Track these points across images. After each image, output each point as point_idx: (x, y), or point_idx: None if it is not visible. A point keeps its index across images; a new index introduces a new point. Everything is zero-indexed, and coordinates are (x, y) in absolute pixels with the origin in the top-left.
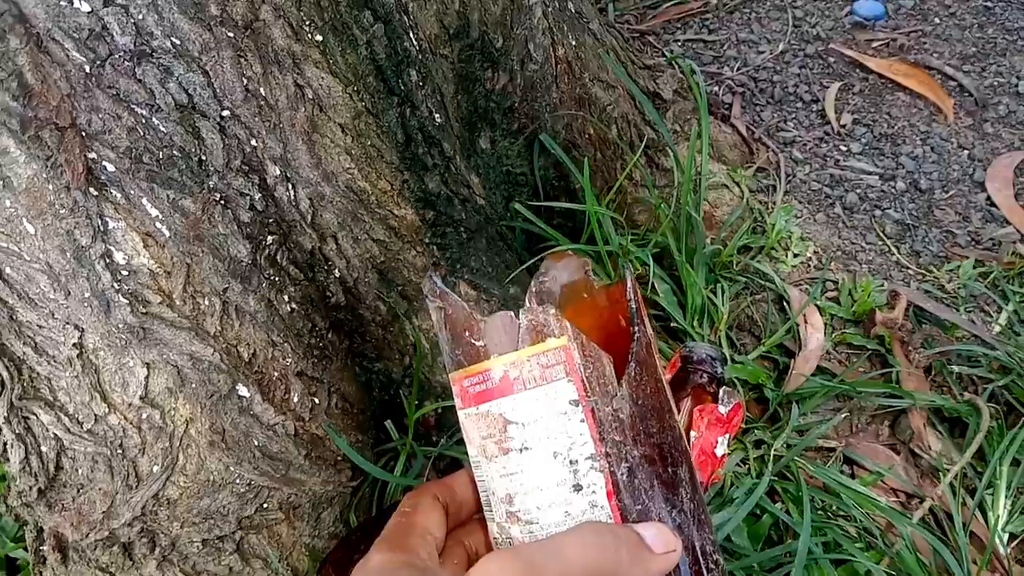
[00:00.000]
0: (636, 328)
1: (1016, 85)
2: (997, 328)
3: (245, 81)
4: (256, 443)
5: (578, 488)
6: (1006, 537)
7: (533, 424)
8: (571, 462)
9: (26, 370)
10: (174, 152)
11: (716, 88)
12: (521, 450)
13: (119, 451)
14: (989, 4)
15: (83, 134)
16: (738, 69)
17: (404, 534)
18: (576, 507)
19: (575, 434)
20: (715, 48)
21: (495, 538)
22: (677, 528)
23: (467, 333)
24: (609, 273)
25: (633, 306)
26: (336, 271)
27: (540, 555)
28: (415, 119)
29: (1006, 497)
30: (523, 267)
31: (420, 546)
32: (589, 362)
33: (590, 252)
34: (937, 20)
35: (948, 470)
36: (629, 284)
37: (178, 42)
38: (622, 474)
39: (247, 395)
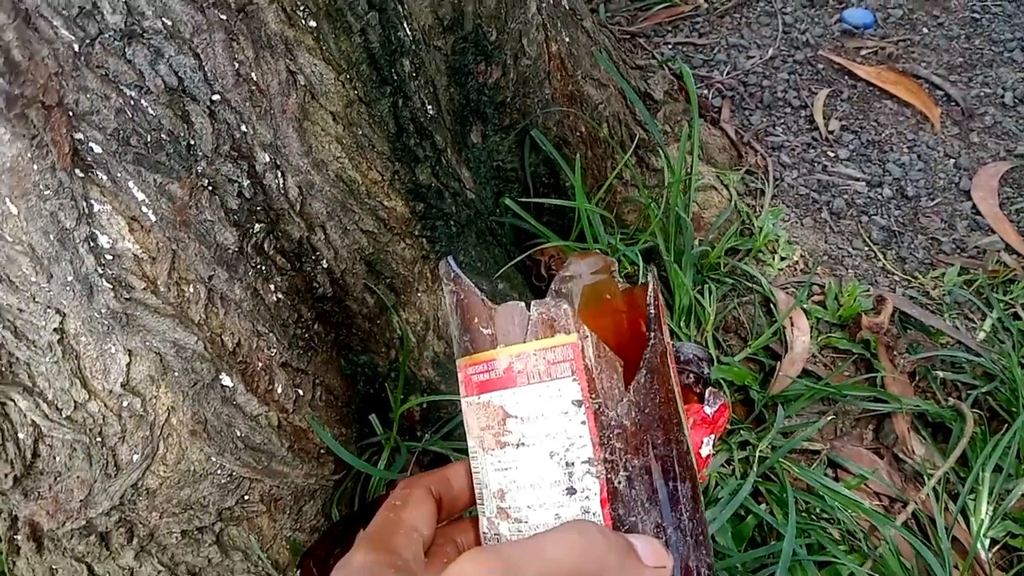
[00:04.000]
0: (652, 335)
1: (1002, 96)
2: (981, 335)
3: (237, 65)
4: (238, 434)
5: (571, 492)
6: (988, 542)
7: (533, 420)
8: (567, 464)
9: (4, 354)
10: (162, 135)
11: (706, 91)
12: (518, 445)
13: (98, 439)
14: (976, 15)
15: (70, 114)
16: (728, 73)
17: (390, 531)
18: (568, 511)
19: (575, 435)
20: (705, 52)
21: (484, 533)
22: (672, 546)
23: (477, 320)
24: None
25: (652, 311)
26: (324, 262)
27: (520, 554)
28: (407, 110)
29: (988, 503)
30: (512, 263)
31: (404, 546)
32: (598, 363)
33: (578, 250)
34: (925, 30)
35: (931, 475)
36: (651, 289)
37: (170, 23)
38: (619, 482)
39: (230, 385)
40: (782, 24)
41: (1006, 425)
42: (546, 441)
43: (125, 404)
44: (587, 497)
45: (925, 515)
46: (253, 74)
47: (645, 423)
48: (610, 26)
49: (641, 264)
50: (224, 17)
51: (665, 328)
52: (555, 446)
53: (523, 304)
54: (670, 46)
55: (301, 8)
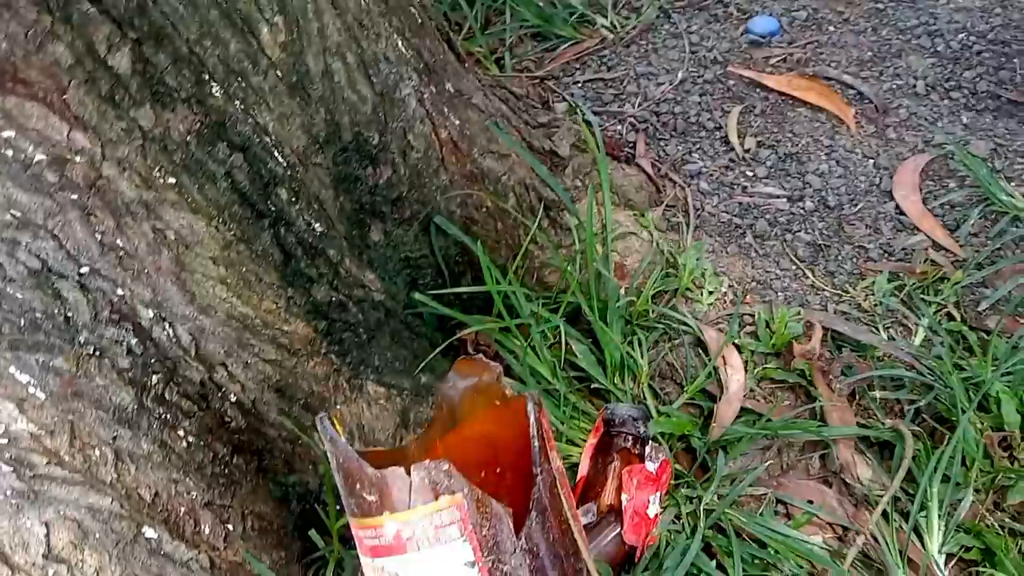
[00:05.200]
0: (539, 469)
1: (914, 85)
2: (916, 342)
3: (99, 236)
4: None
5: None
6: (943, 560)
7: None
8: None
9: None
10: (36, 316)
11: (619, 127)
12: None
13: None
14: (880, 6)
15: None
16: (639, 105)
17: None
18: None
19: None
20: (615, 85)
21: None
22: None
23: (359, 486)
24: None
25: (536, 444)
26: (232, 396)
27: None
28: (292, 235)
29: (939, 517)
30: (435, 352)
31: None
32: (485, 520)
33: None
34: (832, 28)
35: (881, 496)
36: (532, 420)
37: (19, 214)
38: None
39: (155, 536)
40: (688, 44)
41: (947, 436)
42: None
43: (51, 573)
44: None
45: (880, 540)
46: (118, 241)
47: (542, 565)
48: (516, 75)
49: (564, 328)
50: (75, 196)
51: (554, 452)
52: None
53: (403, 469)
54: (579, 85)
55: (157, 169)
